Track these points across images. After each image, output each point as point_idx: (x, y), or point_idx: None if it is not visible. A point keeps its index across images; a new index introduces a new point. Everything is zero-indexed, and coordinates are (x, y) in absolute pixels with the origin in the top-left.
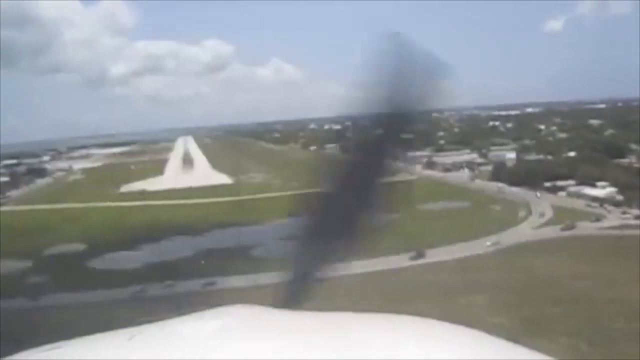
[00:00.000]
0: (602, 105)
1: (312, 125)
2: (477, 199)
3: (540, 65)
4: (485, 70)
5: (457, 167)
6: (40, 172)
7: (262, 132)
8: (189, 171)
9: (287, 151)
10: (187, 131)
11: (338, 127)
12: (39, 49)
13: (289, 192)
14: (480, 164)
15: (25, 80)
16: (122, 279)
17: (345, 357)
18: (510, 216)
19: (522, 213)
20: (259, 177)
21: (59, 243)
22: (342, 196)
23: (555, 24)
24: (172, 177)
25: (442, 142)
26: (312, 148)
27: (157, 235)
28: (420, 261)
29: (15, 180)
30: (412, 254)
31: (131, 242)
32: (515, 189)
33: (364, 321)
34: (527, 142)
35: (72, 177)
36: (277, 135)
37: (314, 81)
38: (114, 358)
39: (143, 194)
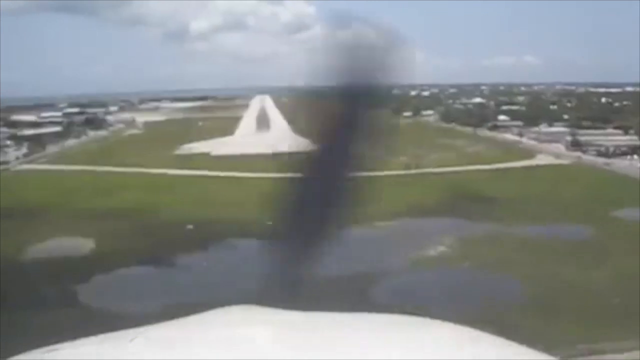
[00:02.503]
0: None
1: (395, 91)
2: None
3: (629, 44)
4: (571, 46)
5: (614, 151)
6: (98, 123)
7: None
8: (264, 133)
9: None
10: (265, 90)
11: (426, 93)
12: (122, 0)
13: (399, 171)
14: None
15: (108, 31)
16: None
17: (345, 357)
18: None
19: None
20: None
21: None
22: (315, 188)
23: None
24: (244, 139)
25: (565, 116)
26: (406, 114)
27: (205, 236)
28: None
29: (68, 131)
30: None
31: (151, 247)
32: None
33: (364, 321)
34: None
35: (130, 131)
36: None
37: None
38: (116, 359)
39: (203, 159)
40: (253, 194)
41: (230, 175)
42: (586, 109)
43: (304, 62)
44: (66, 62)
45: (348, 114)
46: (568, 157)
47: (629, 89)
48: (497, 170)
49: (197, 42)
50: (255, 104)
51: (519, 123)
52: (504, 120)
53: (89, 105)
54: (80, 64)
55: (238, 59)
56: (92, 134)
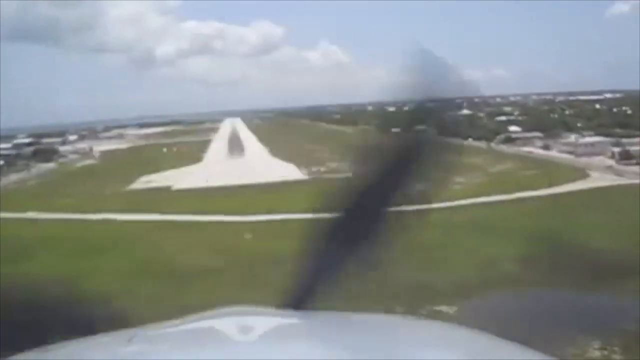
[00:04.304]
0: None
1: (370, 108)
2: None
3: (597, 51)
4: (537, 56)
5: None
6: (48, 155)
7: (317, 115)
8: (237, 159)
9: (362, 133)
10: (235, 113)
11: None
12: (85, 27)
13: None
14: None
15: (71, 59)
16: None
17: (344, 357)
18: None
19: None
20: (346, 171)
21: None
22: (371, 198)
23: (620, 7)
24: (214, 167)
25: (579, 124)
26: (395, 130)
27: None
28: None
29: (9, 165)
30: None
31: None
32: None
33: (363, 321)
34: None
35: (84, 162)
36: (336, 116)
37: (363, 65)
38: (114, 359)
39: (161, 196)
40: (226, 248)
41: (194, 220)
42: (594, 116)
43: (272, 83)
44: (30, 92)
45: (406, 142)
46: (629, 173)
47: (607, 95)
48: (556, 197)
49: (163, 68)
50: (226, 127)
51: (538, 134)
52: (517, 132)
53: (48, 135)
54: (45, 93)
55: (206, 83)
56: (40, 166)
